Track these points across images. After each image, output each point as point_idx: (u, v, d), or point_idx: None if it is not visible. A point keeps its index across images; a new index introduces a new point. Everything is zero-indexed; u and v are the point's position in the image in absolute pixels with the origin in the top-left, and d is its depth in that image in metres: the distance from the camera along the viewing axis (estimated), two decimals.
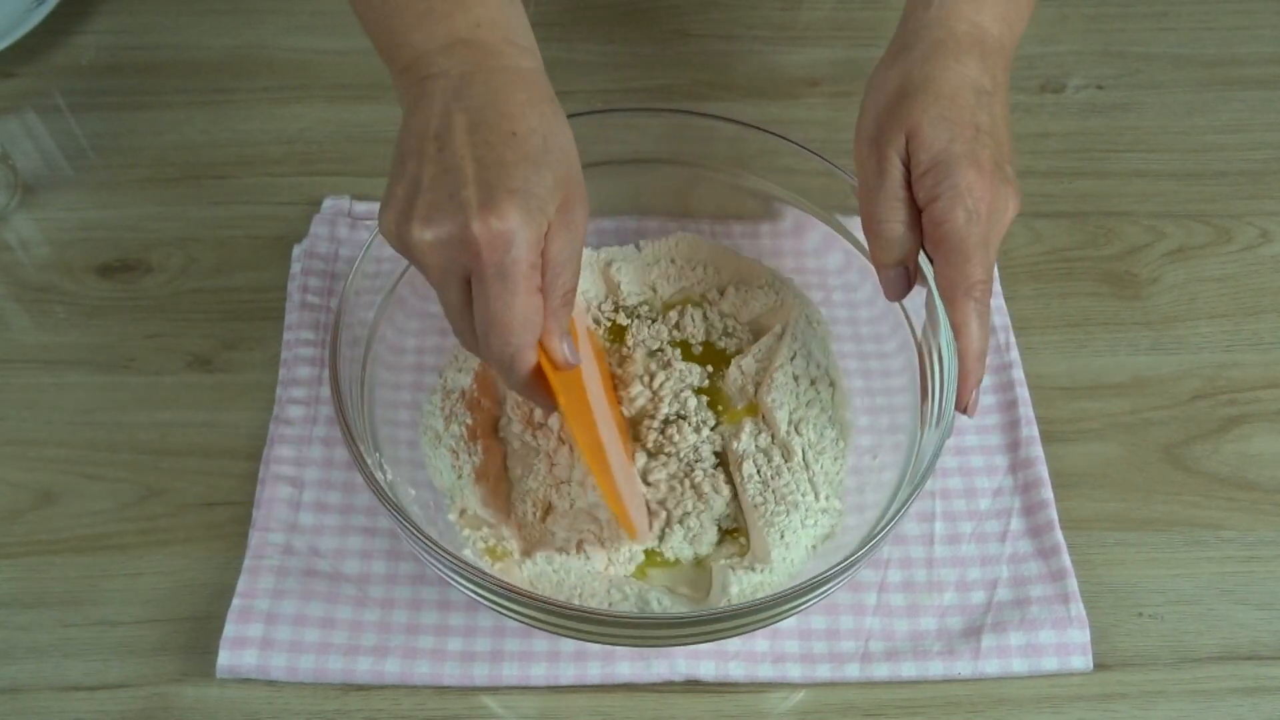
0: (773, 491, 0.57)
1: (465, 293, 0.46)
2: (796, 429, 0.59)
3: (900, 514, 0.49)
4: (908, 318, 0.58)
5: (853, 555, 0.48)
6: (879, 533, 0.49)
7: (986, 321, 0.52)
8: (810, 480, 0.58)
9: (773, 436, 0.59)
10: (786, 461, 0.58)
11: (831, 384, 0.62)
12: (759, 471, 0.57)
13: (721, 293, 0.66)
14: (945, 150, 0.51)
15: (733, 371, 0.62)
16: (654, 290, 0.67)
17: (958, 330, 0.52)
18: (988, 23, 0.55)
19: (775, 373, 0.60)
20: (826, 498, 0.57)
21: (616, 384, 0.62)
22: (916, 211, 0.53)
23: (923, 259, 0.54)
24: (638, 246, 0.68)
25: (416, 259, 0.46)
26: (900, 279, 0.54)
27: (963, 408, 0.52)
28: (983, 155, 0.51)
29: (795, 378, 0.60)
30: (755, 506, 0.56)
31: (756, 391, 0.61)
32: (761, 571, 0.54)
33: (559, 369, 0.49)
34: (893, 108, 0.53)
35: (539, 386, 0.49)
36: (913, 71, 0.54)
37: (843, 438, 0.60)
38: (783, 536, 0.55)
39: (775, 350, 0.62)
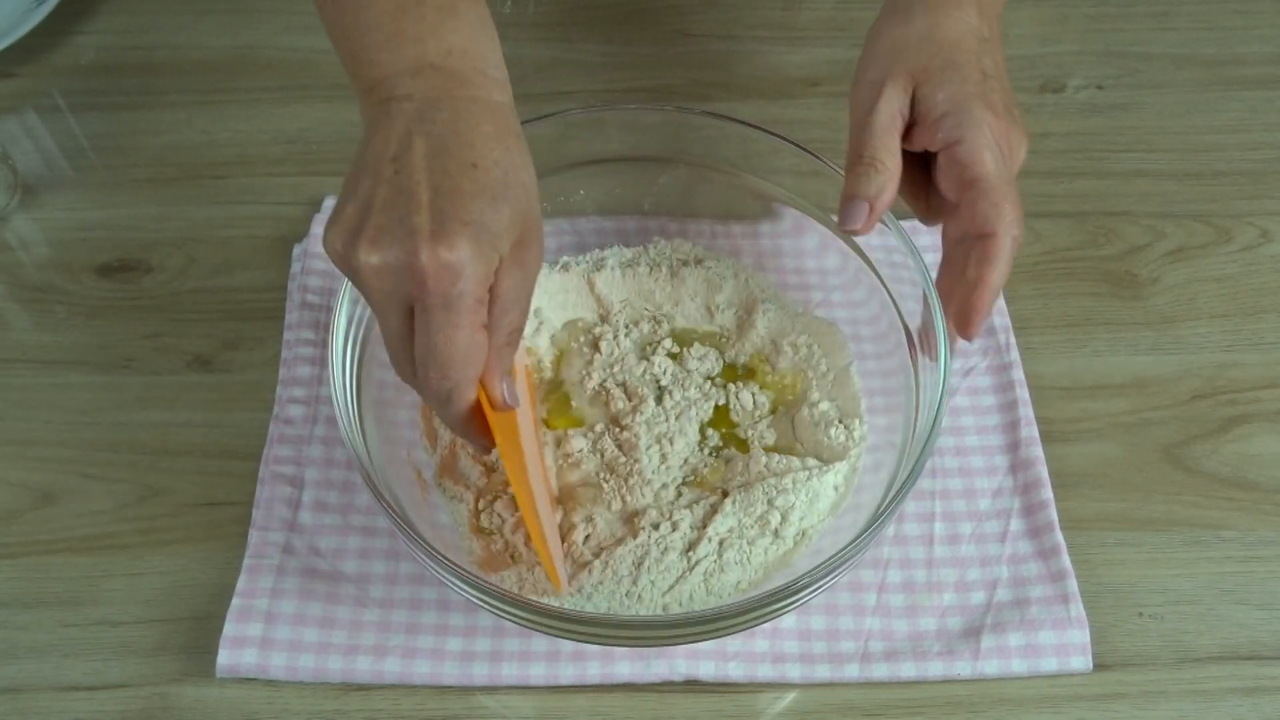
0: (657, 551, 0.55)
1: (407, 321, 0.45)
2: (722, 543, 0.56)
3: (892, 509, 0.50)
4: (903, 319, 0.58)
5: (845, 548, 0.48)
6: (871, 528, 0.49)
7: (1011, 260, 0.52)
8: (685, 569, 0.55)
9: (712, 512, 0.57)
10: (687, 550, 0.56)
11: (799, 540, 0.57)
12: (670, 525, 0.56)
13: (814, 405, 0.61)
14: (959, 92, 0.52)
15: (740, 460, 0.59)
16: (776, 350, 0.64)
17: (989, 262, 0.51)
18: None
19: (757, 485, 0.57)
20: (671, 599, 0.54)
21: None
22: (902, 154, 0.53)
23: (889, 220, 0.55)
24: (796, 308, 0.65)
25: (360, 281, 0.45)
26: (861, 211, 0.53)
27: (967, 335, 0.53)
28: (994, 98, 0.52)
29: (768, 508, 0.56)
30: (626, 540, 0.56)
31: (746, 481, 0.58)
32: (575, 588, 0.54)
33: (497, 410, 0.47)
34: (896, 53, 0.54)
35: (474, 425, 0.48)
36: (914, 21, 0.54)
37: (756, 579, 0.56)
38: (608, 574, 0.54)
39: (783, 472, 0.58)
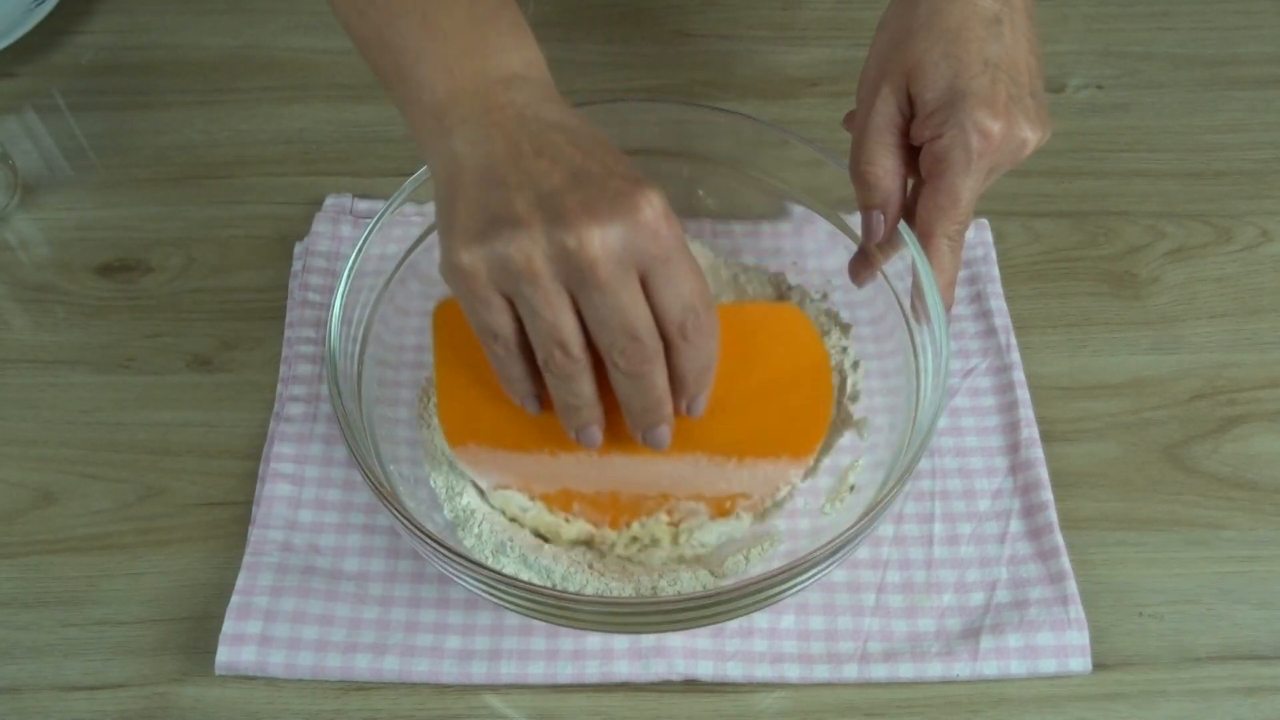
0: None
1: (638, 286, 0.43)
2: None
3: (882, 508, 0.50)
4: (906, 318, 0.58)
5: (836, 539, 0.48)
6: (857, 527, 0.49)
7: (959, 251, 0.53)
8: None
9: None
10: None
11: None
12: None
13: None
14: (951, 88, 0.51)
15: None
16: None
17: (929, 259, 0.53)
18: None
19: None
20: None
21: None
22: (905, 155, 0.53)
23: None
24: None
25: (585, 260, 0.41)
26: (876, 223, 0.54)
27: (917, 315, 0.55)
28: (996, 90, 0.50)
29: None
30: None
31: None
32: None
33: None
34: (896, 46, 0.53)
35: None
36: (919, 7, 0.53)
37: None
38: None
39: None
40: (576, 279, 0.42)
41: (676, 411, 0.49)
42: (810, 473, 0.59)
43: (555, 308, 0.43)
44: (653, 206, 0.42)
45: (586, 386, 0.47)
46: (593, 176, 0.43)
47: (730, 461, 0.56)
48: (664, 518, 0.57)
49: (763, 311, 0.52)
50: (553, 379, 0.47)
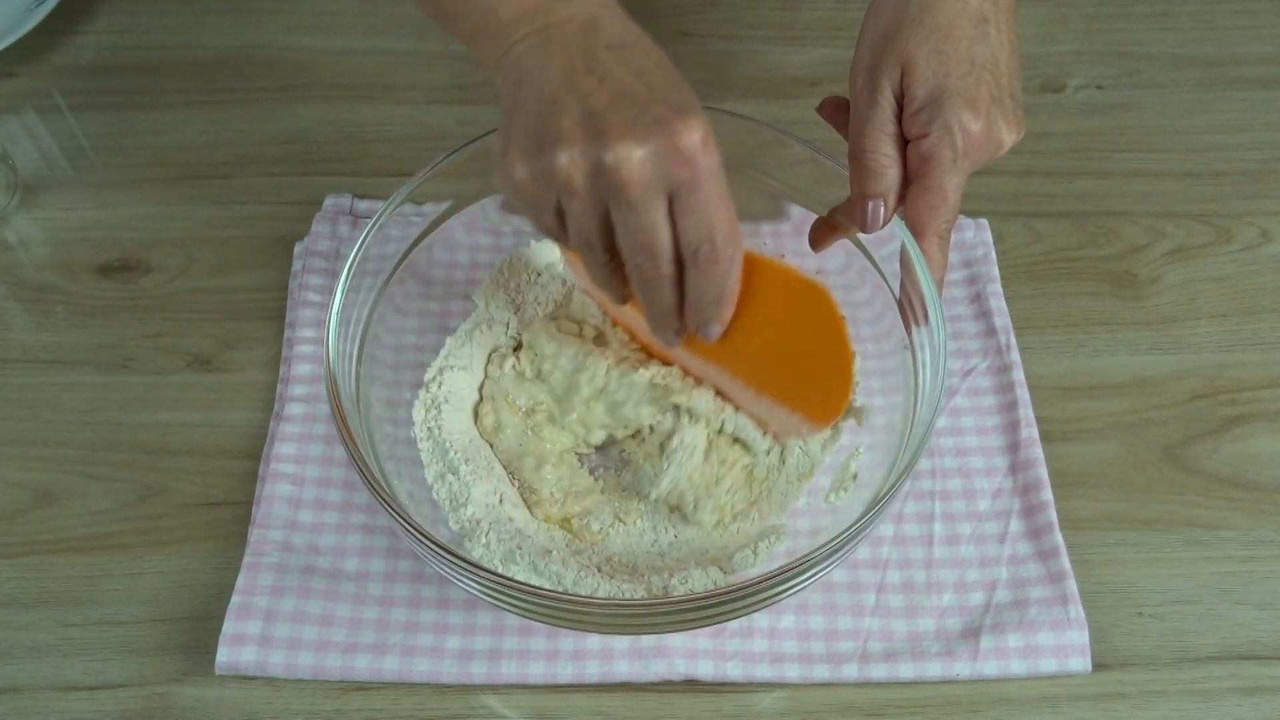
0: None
1: (666, 209, 0.45)
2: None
3: (880, 508, 0.50)
4: (904, 318, 0.58)
5: (833, 540, 0.48)
6: (854, 529, 0.49)
7: (948, 247, 0.55)
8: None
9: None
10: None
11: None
12: None
13: None
14: (940, 86, 0.52)
15: None
16: None
17: (922, 255, 0.54)
18: None
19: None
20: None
21: None
22: (903, 145, 0.54)
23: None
24: None
25: (619, 180, 0.44)
26: (878, 211, 0.54)
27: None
28: (979, 91, 0.52)
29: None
30: None
31: None
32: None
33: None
34: (889, 38, 0.54)
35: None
36: (910, 1, 0.54)
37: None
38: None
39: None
40: (610, 195, 0.45)
41: (690, 331, 0.51)
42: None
43: (588, 219, 0.46)
44: (689, 133, 0.44)
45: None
46: (636, 99, 0.44)
47: (750, 390, 0.57)
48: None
49: (797, 282, 0.52)
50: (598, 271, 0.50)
